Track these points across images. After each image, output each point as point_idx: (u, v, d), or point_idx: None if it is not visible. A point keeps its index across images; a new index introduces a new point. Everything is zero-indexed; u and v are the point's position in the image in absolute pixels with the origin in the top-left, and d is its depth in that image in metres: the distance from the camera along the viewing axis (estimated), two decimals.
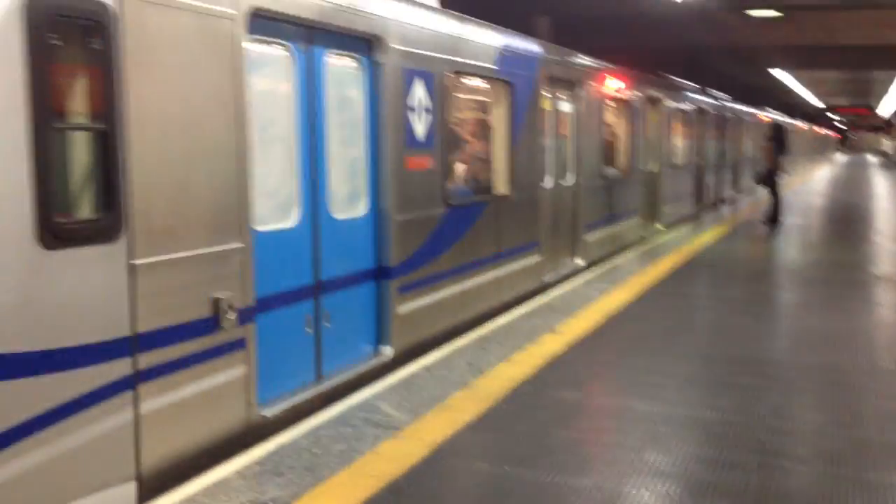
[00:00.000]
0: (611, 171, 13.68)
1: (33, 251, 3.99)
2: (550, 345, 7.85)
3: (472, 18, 8.97)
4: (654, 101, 16.26)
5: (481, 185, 9.37)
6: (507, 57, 9.46)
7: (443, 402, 6.22)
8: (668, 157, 17.48)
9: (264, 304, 5.69)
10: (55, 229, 4.08)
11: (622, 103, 14.34)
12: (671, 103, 17.64)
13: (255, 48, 5.62)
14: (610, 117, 13.89)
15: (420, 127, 7.57)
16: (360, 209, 6.96)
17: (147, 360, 4.64)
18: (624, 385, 6.74)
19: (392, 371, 6.98)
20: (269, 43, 5.90)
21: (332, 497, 4.64)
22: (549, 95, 10.93)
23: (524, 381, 6.73)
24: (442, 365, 7.16)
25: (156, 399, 4.72)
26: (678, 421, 5.91)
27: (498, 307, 9.30)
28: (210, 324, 5.10)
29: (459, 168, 9.08)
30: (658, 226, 16.69)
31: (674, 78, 19.69)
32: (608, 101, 13.45)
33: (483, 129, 9.57)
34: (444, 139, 8.04)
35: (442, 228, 8.00)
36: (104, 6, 4.38)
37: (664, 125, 17.01)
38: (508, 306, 9.52)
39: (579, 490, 4.78)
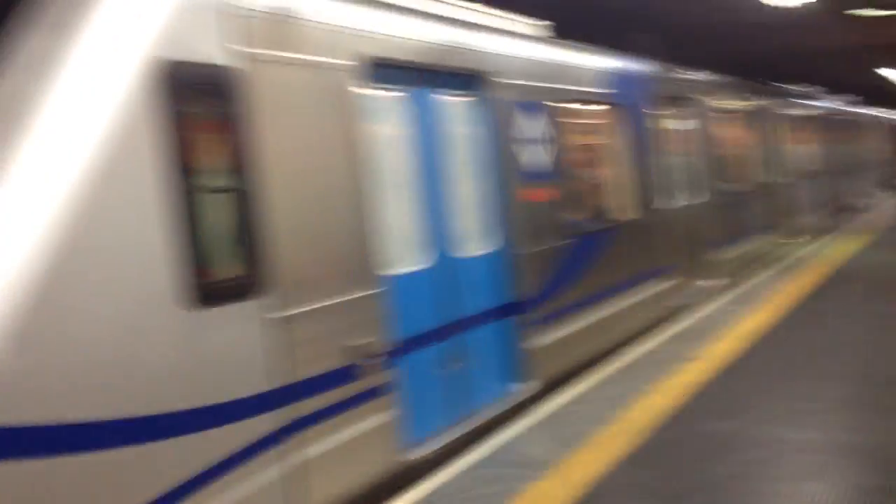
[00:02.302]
0: (738, 186, 13.31)
1: (182, 312, 4.08)
2: (693, 373, 7.64)
3: (581, 45, 8.96)
4: (773, 110, 15.77)
5: (607, 212, 9.26)
6: (619, 79, 9.45)
7: (588, 438, 6.12)
8: (796, 166, 16.89)
9: (403, 348, 5.73)
10: (201, 289, 4.17)
11: (742, 115, 13.96)
12: (792, 110, 17.07)
13: (374, 95, 5.73)
14: (731, 130, 13.54)
15: (538, 158, 7.61)
16: (486, 245, 6.98)
17: (295, 411, 4.69)
18: (775, 412, 6.48)
19: (533, 407, 6.93)
20: (387, 90, 6.03)
21: None
22: (666, 114, 10.77)
23: (670, 413, 6.56)
24: (582, 399, 7.06)
25: (306, 450, 4.76)
26: (836, 448, 5.64)
27: (634, 334, 9.16)
28: (352, 371, 5.16)
29: (581, 196, 8.94)
30: (794, 239, 16.12)
31: (790, 86, 19.06)
32: (727, 114, 13.12)
33: (602, 154, 9.45)
34: (564, 168, 8.04)
35: (570, 258, 7.96)
36: (232, 69, 4.52)
37: (787, 134, 16.47)
38: (644, 333, 9.35)
39: None
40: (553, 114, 7.99)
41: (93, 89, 3.84)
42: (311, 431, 4.80)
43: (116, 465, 3.71)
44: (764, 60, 20.37)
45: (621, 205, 9.44)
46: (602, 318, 8.58)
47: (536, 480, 5.39)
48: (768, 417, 6.37)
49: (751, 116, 14.26)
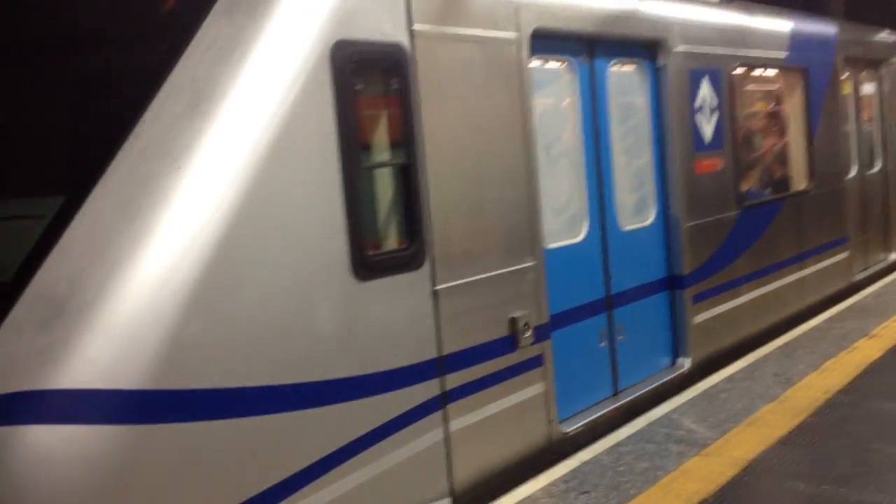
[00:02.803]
0: None
1: (350, 283, 4.23)
2: (865, 351, 7.29)
3: (759, 5, 8.57)
4: None
5: (778, 182, 8.94)
6: (800, 42, 8.95)
7: (749, 416, 5.96)
8: None
9: (559, 321, 5.74)
10: (367, 262, 4.31)
11: None
12: None
13: (537, 67, 5.71)
14: None
15: (708, 127, 7.36)
16: (649, 218, 6.85)
17: (453, 380, 4.80)
18: None
19: (692, 383, 6.79)
20: (550, 60, 5.98)
21: None
22: (850, 78, 10.21)
23: (838, 392, 6.30)
24: (745, 376, 6.87)
25: (463, 418, 4.86)
26: None
27: (804, 311, 8.79)
28: (508, 342, 5.21)
29: (753, 166, 8.66)
30: None
31: None
32: None
33: (777, 122, 9.10)
34: (735, 137, 7.75)
35: (736, 231, 7.70)
36: (399, 46, 4.59)
37: None
38: (815, 310, 8.96)
39: None
40: (730, 81, 7.72)
41: (274, 71, 4.00)
42: (468, 400, 4.91)
43: (294, 427, 3.92)
44: None
45: (796, 175, 9.06)
46: (771, 292, 8.28)
47: (694, 457, 5.32)
48: None
49: None
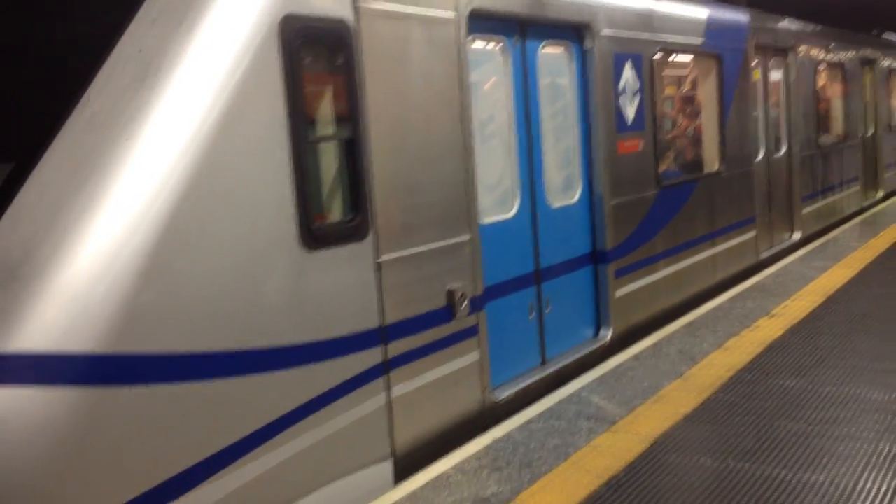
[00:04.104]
0: (827, 138, 12.97)
1: (297, 253, 4.35)
2: (767, 329, 7.50)
3: None
4: (869, 62, 15.22)
5: (692, 164, 9.21)
6: (714, 29, 9.23)
7: (656, 393, 6.06)
8: (888, 119, 16.34)
9: (491, 293, 5.92)
10: (314, 232, 4.43)
11: (835, 66, 13.51)
12: (888, 62, 16.45)
13: (473, 47, 5.81)
14: (823, 81, 13.13)
15: (630, 110, 7.59)
16: (575, 195, 7.05)
17: (394, 348, 4.97)
18: (851, 371, 6.33)
19: (613, 354, 6.97)
20: (486, 41, 6.05)
21: (551, 492, 4.62)
22: (759, 65, 10.50)
23: (741, 370, 6.46)
24: (652, 354, 6.99)
25: (404, 385, 5.04)
26: None
27: (714, 286, 9.10)
28: (446, 313, 5.40)
29: (669, 147, 8.88)
30: (879, 193, 15.63)
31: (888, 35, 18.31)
32: (820, 66, 12.72)
33: (692, 106, 9.34)
34: (654, 120, 7.99)
35: (654, 210, 7.99)
36: (345, 22, 4.64)
37: (881, 86, 15.90)
38: (724, 286, 9.27)
39: (814, 486, 4.53)
40: (651, 65, 7.90)
41: (223, 44, 4.05)
42: (408, 368, 5.08)
43: (240, 391, 4.02)
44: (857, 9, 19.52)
45: (709, 157, 9.34)
46: (685, 268, 8.60)
47: (603, 433, 5.38)
48: (844, 376, 6.22)
49: (844, 68, 13.80)
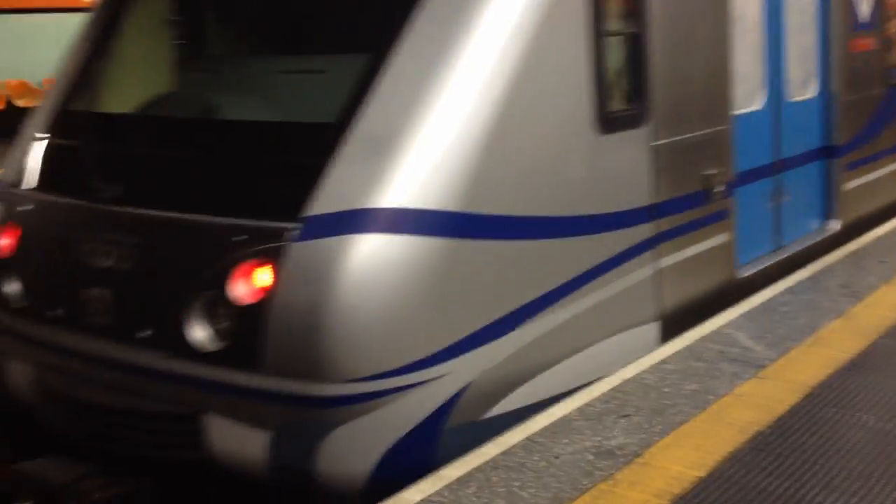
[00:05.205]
0: None
1: (592, 137, 4.98)
2: None
3: None
4: None
5: None
6: None
7: (813, 334, 5.38)
8: None
9: (740, 180, 6.35)
10: (605, 118, 5.02)
11: None
12: None
13: None
14: None
15: (865, 8, 7.93)
16: (811, 91, 7.40)
17: (662, 224, 5.50)
18: None
19: (839, 246, 7.23)
20: None
21: (685, 447, 4.08)
22: None
23: None
24: (809, 287, 6.27)
25: (669, 257, 5.56)
26: None
27: None
28: (703, 196, 5.87)
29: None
30: None
31: None
32: None
33: None
34: (885, 18, 8.27)
35: (881, 108, 8.29)
36: None
37: None
38: None
39: None
40: None
41: None
42: (673, 242, 5.60)
43: (549, 251, 4.77)
44: None
45: None
46: None
47: (750, 380, 4.77)
48: None
49: None
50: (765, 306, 5.91)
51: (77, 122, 5.33)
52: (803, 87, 7.30)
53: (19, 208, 5.31)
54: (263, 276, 4.17)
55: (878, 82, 8.18)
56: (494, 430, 4.34)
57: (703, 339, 5.40)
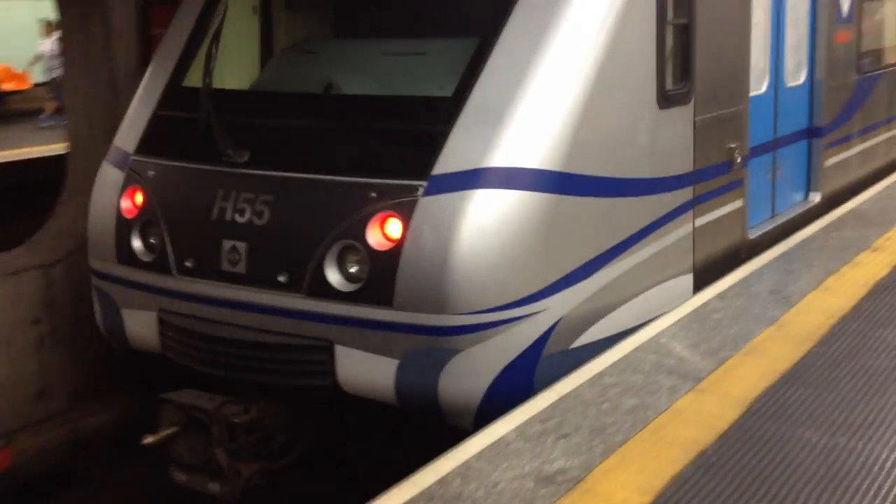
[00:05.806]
0: None
1: (655, 111, 5.84)
2: (870, 266, 6.66)
3: None
4: None
5: (879, 56, 10.21)
6: None
7: (747, 343, 5.31)
8: None
9: (751, 154, 7.17)
10: (664, 95, 5.89)
11: None
12: None
13: None
14: None
15: (845, 3, 8.76)
16: (801, 78, 8.32)
17: (699, 189, 6.35)
18: None
19: (808, 225, 7.81)
20: None
21: (629, 470, 3.93)
22: None
23: (845, 317, 5.67)
24: (740, 293, 6.21)
25: (701, 217, 6.41)
26: None
27: (891, 163, 10.51)
28: (727, 166, 6.75)
29: (866, 40, 9.71)
30: None
31: None
32: None
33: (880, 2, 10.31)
34: (860, 13, 9.12)
35: (854, 94, 9.21)
36: None
37: None
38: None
39: None
40: None
41: None
42: (705, 205, 6.46)
43: (620, 208, 5.61)
44: None
45: (890, 51, 10.46)
46: (872, 145, 9.83)
47: (688, 393, 4.66)
48: None
49: None
50: (697, 313, 5.83)
51: (195, 97, 5.77)
52: (796, 73, 8.24)
53: (144, 174, 5.91)
54: (396, 226, 4.94)
55: (853, 71, 9.13)
56: (578, 359, 5.13)
57: (639, 349, 5.28)
